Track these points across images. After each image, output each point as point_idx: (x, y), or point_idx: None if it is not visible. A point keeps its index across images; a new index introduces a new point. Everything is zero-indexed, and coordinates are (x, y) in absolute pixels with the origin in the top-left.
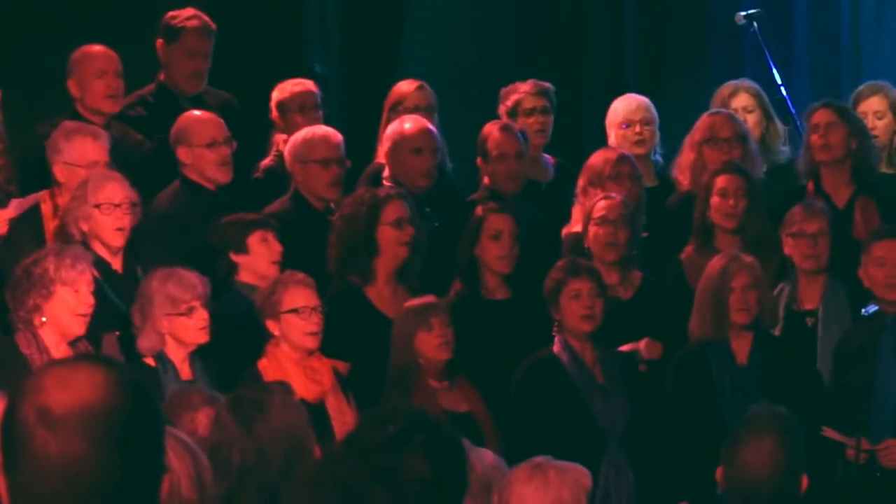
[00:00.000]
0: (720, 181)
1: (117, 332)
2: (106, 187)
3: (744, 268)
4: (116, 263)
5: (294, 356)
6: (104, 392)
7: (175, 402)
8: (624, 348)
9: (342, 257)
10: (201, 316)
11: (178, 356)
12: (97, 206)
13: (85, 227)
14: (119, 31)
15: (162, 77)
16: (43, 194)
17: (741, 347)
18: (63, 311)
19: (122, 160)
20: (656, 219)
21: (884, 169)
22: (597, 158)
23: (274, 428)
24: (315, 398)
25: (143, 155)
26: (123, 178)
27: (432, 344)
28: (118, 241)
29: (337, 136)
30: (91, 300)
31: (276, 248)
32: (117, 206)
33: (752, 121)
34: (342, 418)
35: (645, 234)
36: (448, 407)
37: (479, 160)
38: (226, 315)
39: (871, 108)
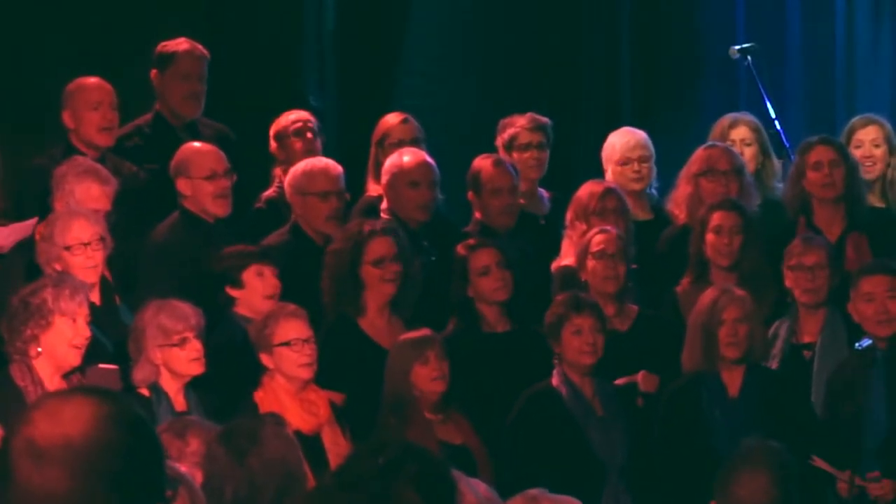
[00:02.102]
0: (716, 218)
1: (115, 366)
2: (73, 227)
3: (734, 301)
4: (94, 296)
5: (290, 388)
6: (90, 426)
7: (165, 430)
8: (620, 381)
9: (334, 291)
10: (194, 347)
11: (173, 387)
12: (67, 247)
13: (58, 267)
14: (115, 62)
15: (158, 107)
16: (29, 224)
17: (733, 380)
18: (60, 341)
19: (117, 191)
20: (651, 252)
21: (876, 203)
22: (583, 192)
23: (266, 460)
24: (311, 430)
25: (136, 185)
26: (89, 212)
27: (428, 377)
28: (91, 278)
29: (337, 169)
30: (87, 332)
31: (272, 282)
32: (86, 244)
33: (748, 154)
34: (338, 450)
35: (634, 266)
36: (443, 439)
37: (470, 194)
38: (223, 345)
39: (869, 136)
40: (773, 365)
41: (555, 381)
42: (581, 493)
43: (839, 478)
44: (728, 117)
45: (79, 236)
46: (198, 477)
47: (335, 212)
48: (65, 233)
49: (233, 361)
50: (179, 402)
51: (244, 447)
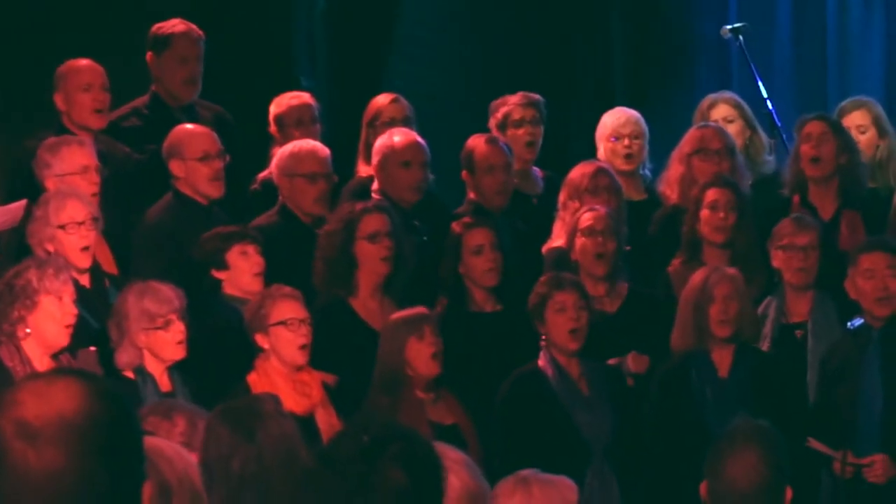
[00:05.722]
0: (710, 194)
1: (93, 348)
2: (67, 206)
3: (725, 279)
4: (84, 279)
5: (283, 370)
6: (81, 403)
7: (151, 412)
8: (611, 362)
9: (326, 274)
10: (178, 329)
11: (157, 369)
12: (61, 226)
13: (50, 248)
14: (107, 44)
15: (154, 88)
16: (17, 207)
17: (723, 360)
18: (48, 321)
19: (110, 173)
20: (645, 233)
21: (868, 183)
22: (575, 173)
23: (272, 434)
24: (304, 411)
25: (131, 167)
26: (83, 194)
27: (424, 353)
28: (85, 261)
29: (324, 151)
30: (74, 310)
31: (257, 260)
32: (81, 223)
33: (733, 131)
34: (332, 432)
35: (627, 248)
36: (434, 419)
37: (464, 174)
38: (218, 328)
39: (854, 122)
40: (764, 345)
41: (541, 362)
42: (566, 474)
43: (834, 458)
44: (707, 99)
45: (73, 216)
46: (186, 456)
47: (323, 194)
48: (59, 212)
49: (230, 344)
50: (164, 384)
51: (251, 423)
